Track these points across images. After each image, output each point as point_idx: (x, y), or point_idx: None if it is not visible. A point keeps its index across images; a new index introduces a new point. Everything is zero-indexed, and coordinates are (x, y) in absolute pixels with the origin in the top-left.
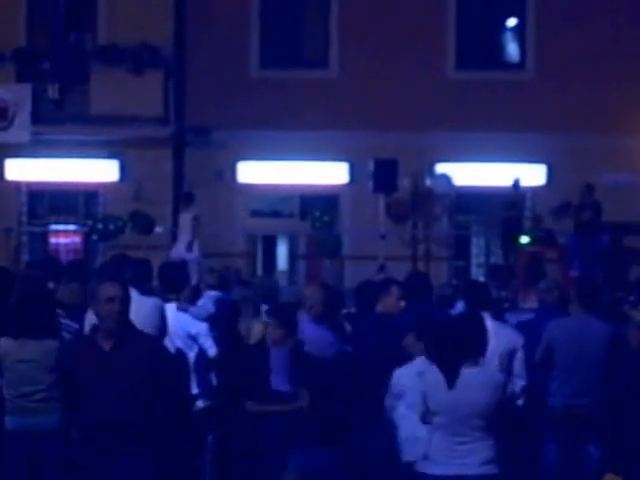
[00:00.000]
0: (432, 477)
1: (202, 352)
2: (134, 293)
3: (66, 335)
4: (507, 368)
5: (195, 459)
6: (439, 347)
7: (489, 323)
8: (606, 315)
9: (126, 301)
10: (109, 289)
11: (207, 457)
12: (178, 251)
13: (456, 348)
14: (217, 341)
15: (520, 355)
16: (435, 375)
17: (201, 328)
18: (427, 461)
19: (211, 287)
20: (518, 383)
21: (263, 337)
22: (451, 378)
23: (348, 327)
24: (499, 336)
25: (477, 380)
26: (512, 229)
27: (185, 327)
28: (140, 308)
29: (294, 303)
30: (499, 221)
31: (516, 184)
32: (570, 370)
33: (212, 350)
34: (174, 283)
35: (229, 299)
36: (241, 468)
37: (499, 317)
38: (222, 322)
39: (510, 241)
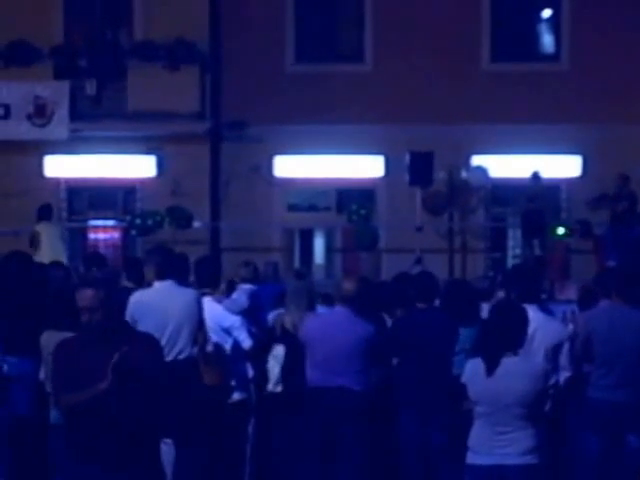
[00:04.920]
0: (473, 467)
1: (236, 345)
2: (173, 285)
3: None
4: (553, 360)
5: (236, 451)
6: (482, 336)
7: (537, 315)
8: None
9: (110, 307)
10: (83, 298)
11: (247, 448)
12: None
13: (497, 337)
14: (252, 334)
15: (567, 347)
16: (476, 365)
17: (234, 321)
18: (468, 451)
19: (245, 280)
20: (563, 374)
21: None
22: (491, 366)
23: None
24: (546, 328)
25: (517, 369)
26: (534, 221)
27: (218, 320)
28: (178, 299)
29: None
30: (525, 213)
31: (536, 176)
32: (610, 361)
33: (247, 343)
34: (210, 278)
35: (263, 291)
36: (282, 459)
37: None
38: (258, 315)
39: (533, 233)
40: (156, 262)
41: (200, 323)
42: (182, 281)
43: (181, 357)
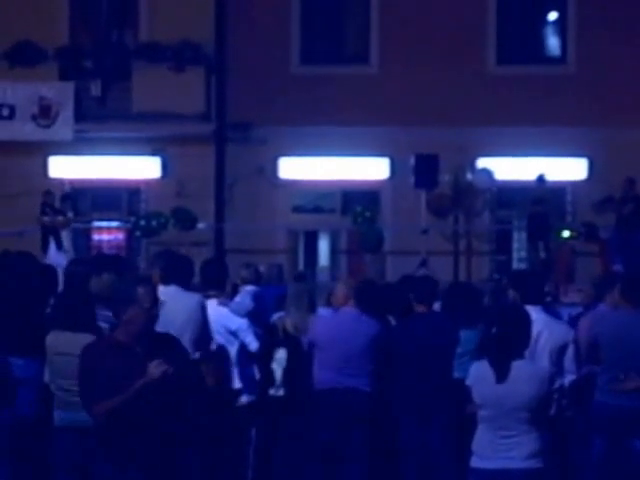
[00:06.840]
0: (477, 470)
1: (243, 347)
2: (177, 290)
3: (103, 325)
4: (557, 363)
5: (239, 453)
6: (490, 342)
7: (542, 316)
8: None
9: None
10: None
11: (250, 450)
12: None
13: (507, 343)
14: (258, 336)
15: (571, 350)
16: (482, 368)
17: (240, 323)
18: (472, 455)
19: (247, 282)
20: (568, 378)
21: None
22: (502, 372)
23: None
24: (551, 330)
25: (523, 372)
26: (540, 224)
27: (224, 323)
28: (182, 304)
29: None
30: (530, 216)
31: (541, 179)
32: (617, 365)
33: (253, 345)
34: (216, 279)
35: (268, 293)
36: (284, 463)
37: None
38: (263, 316)
39: (538, 236)
40: (161, 267)
41: (203, 328)
42: (186, 285)
43: None
